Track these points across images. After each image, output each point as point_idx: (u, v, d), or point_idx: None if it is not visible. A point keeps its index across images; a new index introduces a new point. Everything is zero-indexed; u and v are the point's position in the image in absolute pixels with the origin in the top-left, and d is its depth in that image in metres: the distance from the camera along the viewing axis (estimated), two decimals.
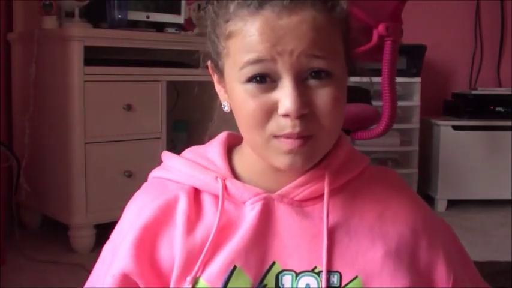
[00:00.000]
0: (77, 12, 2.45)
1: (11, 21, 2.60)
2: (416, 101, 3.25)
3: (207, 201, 0.77)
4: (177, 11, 2.70)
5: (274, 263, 0.73)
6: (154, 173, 0.85)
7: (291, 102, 0.67)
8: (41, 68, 2.42)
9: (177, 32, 2.68)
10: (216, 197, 0.76)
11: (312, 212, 0.76)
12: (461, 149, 3.19)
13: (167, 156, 0.85)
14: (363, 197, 0.78)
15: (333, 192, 0.76)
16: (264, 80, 0.69)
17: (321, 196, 0.76)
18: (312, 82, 0.70)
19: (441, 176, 3.21)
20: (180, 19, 2.71)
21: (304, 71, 0.69)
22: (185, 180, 0.79)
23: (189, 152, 0.84)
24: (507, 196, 3.16)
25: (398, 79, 2.15)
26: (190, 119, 2.91)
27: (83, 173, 2.30)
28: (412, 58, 3.20)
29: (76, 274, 2.10)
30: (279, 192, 0.76)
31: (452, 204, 3.23)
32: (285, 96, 0.68)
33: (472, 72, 3.66)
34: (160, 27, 2.65)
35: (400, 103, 2.34)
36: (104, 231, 2.28)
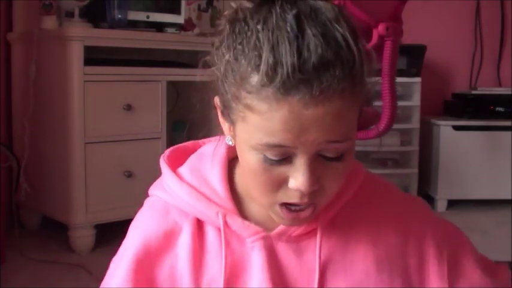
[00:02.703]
0: (77, 12, 2.45)
1: (11, 21, 2.60)
2: (416, 101, 3.25)
3: (210, 232, 0.78)
4: (177, 11, 2.70)
5: None
6: (155, 191, 0.84)
7: (304, 183, 0.66)
8: (41, 68, 2.42)
9: (177, 32, 2.68)
10: (219, 229, 0.78)
11: (308, 246, 0.77)
12: (461, 149, 3.19)
13: (167, 174, 0.83)
14: (356, 222, 0.79)
15: (326, 224, 0.78)
16: (279, 157, 0.67)
17: (316, 230, 0.77)
18: (325, 159, 0.68)
19: (441, 176, 3.21)
20: (180, 19, 2.71)
21: (319, 152, 0.67)
22: (188, 211, 0.79)
23: (189, 172, 0.82)
24: (507, 196, 3.16)
25: (398, 79, 2.15)
26: (190, 119, 2.91)
27: (83, 173, 2.30)
28: (412, 58, 3.20)
29: (76, 274, 2.10)
30: (277, 231, 0.77)
31: (452, 204, 3.23)
32: (298, 174, 0.67)
33: (472, 72, 3.66)
34: (160, 27, 2.65)
35: (400, 103, 2.34)
36: (103, 231, 2.29)
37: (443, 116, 3.43)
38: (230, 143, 0.75)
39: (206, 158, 0.82)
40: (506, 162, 3.17)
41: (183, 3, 2.73)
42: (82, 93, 2.28)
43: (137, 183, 2.38)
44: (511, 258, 2.33)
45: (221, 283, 0.74)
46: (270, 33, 0.63)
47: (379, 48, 1.93)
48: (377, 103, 2.15)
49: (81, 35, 2.30)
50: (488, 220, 3.01)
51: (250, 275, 0.76)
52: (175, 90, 2.85)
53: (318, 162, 0.67)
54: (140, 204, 0.85)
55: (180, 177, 0.81)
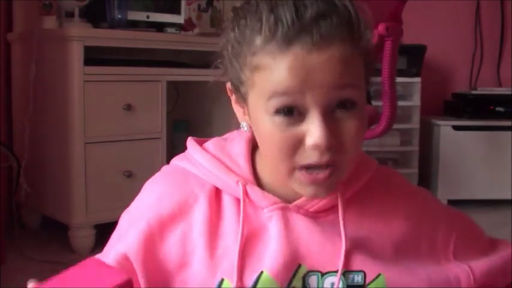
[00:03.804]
0: (77, 12, 2.44)
1: (11, 21, 2.60)
2: (416, 101, 3.25)
3: (227, 202, 0.79)
4: (177, 11, 2.70)
5: (300, 265, 0.76)
6: (178, 161, 0.86)
7: (321, 135, 0.68)
8: (41, 68, 2.42)
9: (177, 32, 2.68)
10: (236, 198, 0.79)
11: (325, 222, 0.78)
12: (461, 149, 3.19)
13: (193, 146, 0.85)
14: (370, 206, 0.81)
15: (345, 202, 0.79)
16: (292, 112, 0.70)
17: (332, 208, 0.79)
18: (339, 113, 0.70)
19: (441, 176, 3.21)
20: (180, 19, 2.71)
21: (333, 102, 0.70)
22: (208, 179, 0.80)
23: (213, 146, 0.84)
24: (507, 196, 3.16)
25: (398, 79, 2.15)
26: (190, 119, 2.92)
27: (83, 173, 2.30)
28: (412, 58, 3.20)
29: None
30: (295, 203, 0.78)
31: (452, 204, 3.22)
32: (314, 129, 0.69)
33: (472, 72, 3.66)
34: (160, 27, 2.65)
35: (400, 103, 2.35)
36: (103, 231, 2.28)
37: (443, 116, 3.44)
38: (246, 128, 0.79)
39: (233, 141, 0.84)
40: (506, 162, 3.17)
41: (183, 3, 2.73)
42: (82, 93, 2.28)
43: (137, 183, 2.36)
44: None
45: (236, 251, 0.75)
46: (269, 1, 0.70)
47: (379, 48, 1.93)
48: (377, 103, 2.15)
49: (81, 35, 2.30)
50: (488, 220, 3.00)
51: (266, 245, 0.76)
52: (175, 90, 2.85)
53: (332, 118, 0.70)
54: None
55: (204, 149, 0.84)
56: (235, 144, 0.83)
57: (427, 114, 3.40)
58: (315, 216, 0.78)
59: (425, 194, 0.88)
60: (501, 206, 3.18)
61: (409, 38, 2.30)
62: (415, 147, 3.27)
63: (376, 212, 0.81)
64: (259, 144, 0.77)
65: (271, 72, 0.69)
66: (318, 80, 0.67)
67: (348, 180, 0.79)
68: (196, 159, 0.82)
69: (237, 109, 0.80)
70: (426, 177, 3.32)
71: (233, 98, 0.79)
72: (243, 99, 0.76)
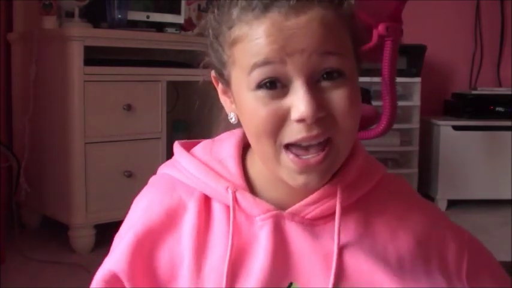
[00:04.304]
0: (77, 12, 2.44)
1: (11, 21, 2.60)
2: (416, 101, 3.25)
3: (217, 210, 0.74)
4: (177, 11, 2.70)
5: (291, 284, 0.70)
6: (165, 169, 0.81)
7: (306, 106, 0.63)
8: (41, 68, 2.42)
9: (177, 32, 2.68)
10: (227, 206, 0.74)
11: (323, 231, 0.73)
12: (461, 149, 3.19)
13: (179, 152, 0.80)
14: (375, 214, 0.75)
15: (345, 210, 0.73)
16: (275, 85, 0.65)
17: (333, 214, 0.72)
18: (325, 83, 0.66)
19: (441, 176, 3.21)
20: (180, 19, 2.71)
21: (317, 71, 0.65)
22: (196, 186, 0.76)
23: (202, 150, 0.80)
24: (507, 196, 3.16)
25: (398, 79, 2.15)
26: (190, 119, 2.91)
27: (83, 173, 2.30)
28: (412, 58, 3.20)
29: (76, 274, 2.10)
30: (290, 210, 0.73)
31: (452, 204, 3.23)
32: (298, 100, 0.64)
33: (472, 72, 3.66)
34: (160, 27, 2.65)
35: (400, 103, 2.34)
36: (103, 231, 2.29)
37: (443, 116, 3.43)
38: (233, 119, 0.75)
39: (222, 143, 0.79)
40: (506, 162, 3.17)
41: (183, 3, 2.73)
42: (82, 93, 2.28)
43: (137, 183, 2.37)
44: (511, 258, 2.33)
45: (224, 269, 0.69)
46: None
47: (379, 48, 1.93)
48: (377, 103, 2.15)
49: (81, 35, 2.30)
50: (488, 220, 3.01)
51: (256, 259, 0.70)
52: (175, 90, 2.85)
53: (318, 89, 0.66)
54: None
55: (192, 154, 0.79)
56: (224, 145, 0.78)
57: (427, 114, 3.39)
58: (311, 224, 0.72)
59: (434, 208, 0.83)
60: (501, 206, 3.18)
61: (409, 38, 2.30)
62: (415, 147, 3.27)
63: (381, 222, 0.74)
64: (244, 129, 0.72)
65: (248, 41, 0.66)
66: (298, 45, 0.64)
67: (350, 186, 0.74)
68: (183, 165, 0.77)
69: (224, 100, 0.76)
70: (426, 177, 3.32)
71: (219, 88, 0.76)
72: (227, 84, 0.72)
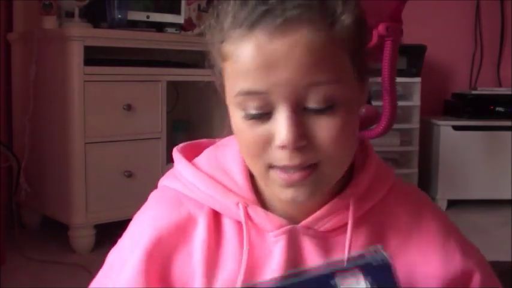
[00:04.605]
0: (77, 12, 2.44)
1: (11, 21, 2.60)
2: (416, 101, 3.25)
3: (227, 226, 0.72)
4: (177, 11, 2.70)
5: None
6: (167, 182, 0.77)
7: (286, 134, 0.61)
8: (41, 68, 2.42)
9: (177, 32, 2.68)
10: (237, 222, 0.71)
11: (337, 243, 0.71)
12: (461, 149, 3.19)
13: (181, 163, 0.76)
14: (387, 223, 0.73)
15: (356, 221, 0.71)
16: (259, 110, 0.63)
17: (344, 226, 0.71)
18: (312, 112, 0.63)
19: (441, 176, 3.21)
20: (180, 19, 2.71)
21: (303, 99, 0.62)
22: (204, 201, 0.72)
23: (207, 161, 0.76)
24: (507, 196, 3.16)
25: (398, 79, 2.15)
26: (190, 119, 2.91)
27: (83, 173, 2.30)
28: (412, 58, 3.20)
29: (76, 274, 2.10)
30: (303, 223, 0.70)
31: (452, 204, 3.22)
32: (280, 127, 0.62)
33: (472, 72, 3.66)
34: (160, 27, 2.65)
35: (400, 103, 2.34)
36: (103, 231, 2.29)
37: (443, 116, 3.43)
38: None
39: (225, 149, 0.76)
40: (506, 162, 3.17)
41: (183, 3, 2.73)
42: (82, 93, 2.28)
43: (137, 183, 2.38)
44: (511, 258, 2.33)
45: (238, 285, 0.67)
46: None
47: (379, 48, 1.93)
48: (377, 103, 2.15)
49: (81, 35, 2.30)
50: (488, 220, 3.01)
51: (270, 274, 0.69)
52: (175, 90, 2.85)
53: (304, 117, 0.63)
54: (140, 204, 0.79)
55: (195, 166, 0.75)
56: (228, 153, 0.75)
57: (427, 114, 3.39)
58: (325, 236, 0.71)
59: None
60: (501, 206, 3.18)
61: (409, 38, 2.30)
62: (415, 147, 3.27)
63: (396, 234, 0.72)
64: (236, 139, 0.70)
65: (234, 62, 0.63)
66: (282, 76, 0.60)
67: (363, 197, 0.72)
68: (188, 178, 0.74)
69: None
70: (426, 177, 3.31)
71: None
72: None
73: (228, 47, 0.63)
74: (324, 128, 0.63)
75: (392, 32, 1.91)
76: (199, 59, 0.77)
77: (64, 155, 2.33)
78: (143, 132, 2.47)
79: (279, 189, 0.66)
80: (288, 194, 0.66)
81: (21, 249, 2.28)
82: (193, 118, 2.88)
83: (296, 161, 0.63)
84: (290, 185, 0.65)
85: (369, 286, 0.58)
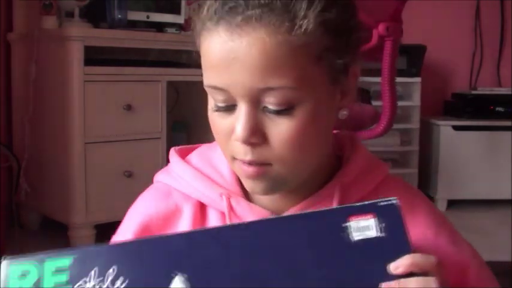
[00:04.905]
0: (77, 12, 2.45)
1: (11, 21, 2.60)
2: (416, 101, 3.26)
3: (212, 216, 0.74)
4: (177, 11, 2.70)
5: None
6: (160, 177, 0.80)
7: (240, 130, 0.63)
8: (41, 68, 2.42)
9: (177, 32, 2.68)
10: (222, 213, 0.73)
11: None
12: (461, 149, 3.19)
13: (174, 160, 0.80)
14: None
15: None
16: (224, 102, 0.65)
17: None
18: (269, 112, 0.64)
19: (441, 176, 3.21)
20: (180, 19, 2.71)
21: (261, 100, 0.63)
22: (190, 193, 0.76)
23: (197, 157, 0.79)
24: (507, 196, 3.16)
25: (398, 79, 2.15)
26: (190, 119, 2.92)
27: (83, 173, 2.30)
28: (412, 58, 3.20)
29: None
30: (285, 214, 0.71)
31: (452, 204, 3.23)
32: (237, 122, 0.64)
33: (472, 72, 3.66)
34: (160, 27, 2.65)
35: (400, 103, 2.35)
36: (103, 231, 2.29)
37: (443, 116, 3.44)
38: None
39: (216, 146, 0.77)
40: (506, 162, 3.17)
41: (183, 3, 2.73)
42: (82, 93, 2.28)
43: (137, 183, 2.38)
44: (511, 258, 2.33)
45: None
46: None
47: (379, 48, 1.93)
48: (377, 103, 2.15)
49: (81, 35, 2.30)
50: (488, 220, 3.01)
51: None
52: (175, 90, 2.85)
53: (262, 115, 0.64)
54: None
55: (187, 162, 0.79)
56: (218, 151, 0.76)
57: (427, 114, 3.40)
58: None
59: (441, 214, 0.78)
60: (501, 206, 3.18)
61: (409, 38, 2.30)
62: (415, 147, 3.28)
63: None
64: None
65: (203, 56, 0.65)
66: (239, 77, 0.61)
67: (350, 187, 0.73)
68: (178, 173, 0.77)
69: None
70: (426, 177, 3.32)
71: None
72: None
73: (202, 39, 0.65)
74: (279, 129, 0.64)
75: (392, 32, 1.91)
76: (199, 59, 0.78)
77: (64, 155, 2.33)
78: (143, 132, 2.47)
79: (243, 179, 0.69)
80: (248, 184, 0.69)
81: (21, 249, 2.28)
82: (193, 118, 2.88)
83: (249, 156, 0.65)
84: (248, 177, 0.67)
85: (377, 223, 0.60)
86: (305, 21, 0.61)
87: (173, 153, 0.81)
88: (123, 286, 0.57)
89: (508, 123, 3.18)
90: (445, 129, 3.21)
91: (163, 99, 2.51)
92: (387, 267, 0.59)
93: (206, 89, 0.67)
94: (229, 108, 0.65)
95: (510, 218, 2.95)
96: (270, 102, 0.63)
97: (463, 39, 3.64)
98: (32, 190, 2.44)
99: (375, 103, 2.25)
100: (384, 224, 0.60)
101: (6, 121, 2.60)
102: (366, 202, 0.61)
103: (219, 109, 0.66)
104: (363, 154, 0.77)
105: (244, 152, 0.65)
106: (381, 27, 1.89)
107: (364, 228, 0.60)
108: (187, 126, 2.93)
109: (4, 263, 0.65)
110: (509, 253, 2.40)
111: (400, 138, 3.27)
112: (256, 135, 0.64)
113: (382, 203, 0.61)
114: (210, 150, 0.79)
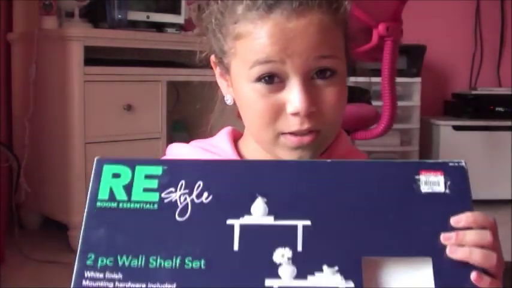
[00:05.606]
0: (77, 12, 2.45)
1: (11, 21, 2.60)
2: (416, 101, 3.26)
3: None
4: (177, 11, 2.70)
5: None
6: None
7: (301, 101, 0.70)
8: (41, 68, 2.42)
9: (177, 32, 2.68)
10: None
11: None
12: (461, 149, 3.19)
13: (174, 145, 0.88)
14: None
15: None
16: (272, 80, 0.71)
17: None
18: (318, 81, 0.72)
19: None
20: (180, 19, 2.71)
21: (312, 70, 0.71)
22: None
23: (196, 141, 0.86)
24: (507, 196, 3.16)
25: (398, 79, 2.15)
26: (191, 119, 2.91)
27: (83, 173, 2.30)
28: (412, 58, 3.20)
29: None
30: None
31: None
32: (294, 95, 0.70)
33: (472, 72, 3.66)
34: (160, 27, 2.65)
35: (400, 103, 2.35)
36: None
37: (443, 116, 3.44)
38: (229, 101, 0.81)
39: (213, 137, 0.87)
40: (506, 162, 3.17)
41: (183, 3, 2.73)
42: (82, 93, 2.28)
43: None
44: (511, 258, 2.33)
45: None
46: None
47: (379, 48, 1.93)
48: (377, 103, 2.15)
49: (81, 35, 2.30)
50: None
51: None
52: (175, 90, 2.85)
53: (312, 86, 0.72)
54: None
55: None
56: (217, 137, 0.85)
57: (427, 114, 3.40)
58: None
59: None
60: (501, 206, 3.18)
61: (409, 38, 2.30)
62: (415, 147, 3.28)
63: None
64: (241, 115, 0.78)
65: (252, 39, 0.71)
66: (297, 48, 0.70)
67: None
68: (179, 152, 0.85)
69: (221, 82, 0.82)
70: None
71: (217, 71, 0.81)
72: (226, 70, 0.78)
73: (244, 27, 0.72)
74: (329, 96, 0.73)
75: (392, 32, 1.91)
76: (198, 59, 0.80)
77: (64, 155, 2.33)
78: (143, 132, 2.47)
79: (287, 151, 0.74)
80: (296, 154, 0.74)
81: (21, 249, 2.29)
82: (193, 118, 2.87)
83: (305, 126, 0.71)
84: (298, 146, 0.73)
85: (445, 181, 0.69)
86: (345, 3, 0.74)
87: (172, 144, 0.89)
88: (207, 201, 0.62)
89: (508, 123, 3.19)
90: (445, 129, 3.22)
91: (163, 99, 2.51)
92: (449, 221, 0.68)
93: (253, 69, 0.71)
94: (277, 85, 0.71)
95: (510, 218, 2.95)
96: (322, 67, 0.72)
97: (463, 39, 3.64)
98: (32, 190, 2.44)
99: (375, 103, 2.25)
100: (450, 182, 0.69)
101: (6, 121, 2.59)
102: (438, 160, 0.69)
103: (267, 89, 0.71)
104: (345, 141, 0.86)
105: (300, 123, 0.71)
106: (381, 27, 1.89)
107: (433, 183, 0.68)
108: (187, 126, 2.93)
109: (98, 161, 0.73)
110: (510, 253, 2.40)
111: (400, 138, 3.27)
112: (313, 104, 0.71)
113: (451, 164, 0.70)
114: (206, 139, 0.86)
